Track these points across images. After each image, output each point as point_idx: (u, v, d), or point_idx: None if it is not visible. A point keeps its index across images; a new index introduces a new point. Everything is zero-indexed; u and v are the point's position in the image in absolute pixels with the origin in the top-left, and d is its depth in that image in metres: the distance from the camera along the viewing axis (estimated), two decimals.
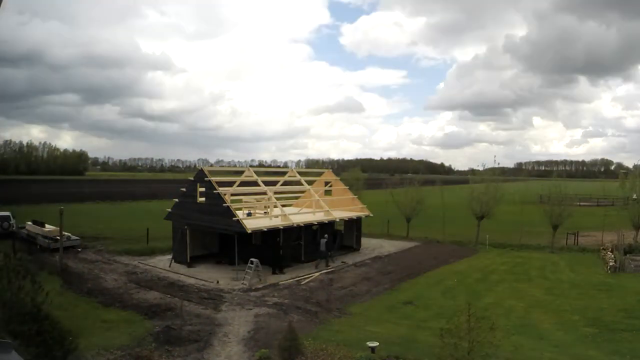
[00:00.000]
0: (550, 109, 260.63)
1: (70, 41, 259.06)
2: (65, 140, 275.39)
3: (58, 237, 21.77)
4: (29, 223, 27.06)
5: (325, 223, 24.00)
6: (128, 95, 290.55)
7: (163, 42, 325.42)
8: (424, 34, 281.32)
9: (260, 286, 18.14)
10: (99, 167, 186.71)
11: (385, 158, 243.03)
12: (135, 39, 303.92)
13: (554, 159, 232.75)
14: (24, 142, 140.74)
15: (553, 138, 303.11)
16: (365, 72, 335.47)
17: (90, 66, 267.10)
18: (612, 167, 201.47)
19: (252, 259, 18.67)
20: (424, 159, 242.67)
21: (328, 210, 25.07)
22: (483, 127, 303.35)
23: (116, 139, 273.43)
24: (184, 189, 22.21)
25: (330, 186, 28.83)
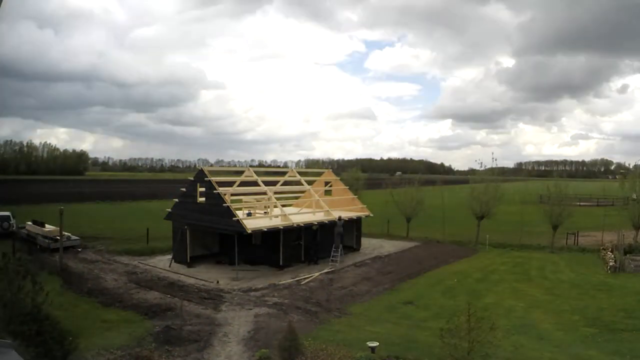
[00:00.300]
0: (536, 117, 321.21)
1: (142, 66, 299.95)
2: (89, 142, 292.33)
3: (58, 237, 21.78)
4: (29, 223, 27.05)
5: (326, 223, 24.01)
6: (170, 106, 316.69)
7: (219, 65, 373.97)
8: (436, 62, 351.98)
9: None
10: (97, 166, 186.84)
11: (385, 158, 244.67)
12: (197, 63, 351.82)
13: (544, 159, 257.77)
14: (25, 143, 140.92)
15: (544, 141, 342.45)
16: (381, 85, 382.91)
17: (152, 85, 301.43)
18: (612, 167, 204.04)
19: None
20: (424, 159, 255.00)
21: (328, 210, 25.07)
22: (478, 132, 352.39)
23: (139, 141, 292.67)
24: (184, 189, 22.22)
25: (330, 186, 28.83)
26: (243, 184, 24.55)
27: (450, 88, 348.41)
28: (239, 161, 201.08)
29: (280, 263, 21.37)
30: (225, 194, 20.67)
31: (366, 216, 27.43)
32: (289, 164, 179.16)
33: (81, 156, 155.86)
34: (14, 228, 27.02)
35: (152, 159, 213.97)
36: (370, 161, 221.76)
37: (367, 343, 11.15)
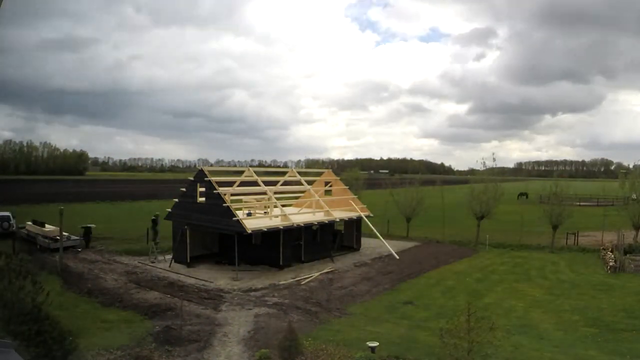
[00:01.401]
0: (506, 137, 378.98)
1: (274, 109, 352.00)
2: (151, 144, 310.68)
3: (58, 237, 21.78)
4: (29, 223, 27.06)
5: (326, 223, 23.99)
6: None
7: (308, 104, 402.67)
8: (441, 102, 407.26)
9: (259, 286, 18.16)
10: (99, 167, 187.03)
11: (385, 158, 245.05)
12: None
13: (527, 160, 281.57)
14: (24, 142, 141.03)
15: (522, 147, 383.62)
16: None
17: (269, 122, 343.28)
18: (612, 167, 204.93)
19: None
20: (424, 158, 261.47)
21: (328, 210, 25.07)
22: (464, 145, 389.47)
23: (197, 145, 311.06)
24: (184, 189, 22.22)
25: (330, 186, 28.83)
26: (243, 184, 24.55)
27: (445, 116, 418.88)
28: (238, 161, 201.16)
29: (280, 263, 21.37)
30: (225, 194, 20.67)
31: (366, 216, 27.42)
32: (289, 164, 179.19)
33: (81, 156, 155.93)
34: (14, 228, 27.02)
35: (152, 158, 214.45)
36: (370, 161, 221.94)
37: (367, 343, 11.15)
